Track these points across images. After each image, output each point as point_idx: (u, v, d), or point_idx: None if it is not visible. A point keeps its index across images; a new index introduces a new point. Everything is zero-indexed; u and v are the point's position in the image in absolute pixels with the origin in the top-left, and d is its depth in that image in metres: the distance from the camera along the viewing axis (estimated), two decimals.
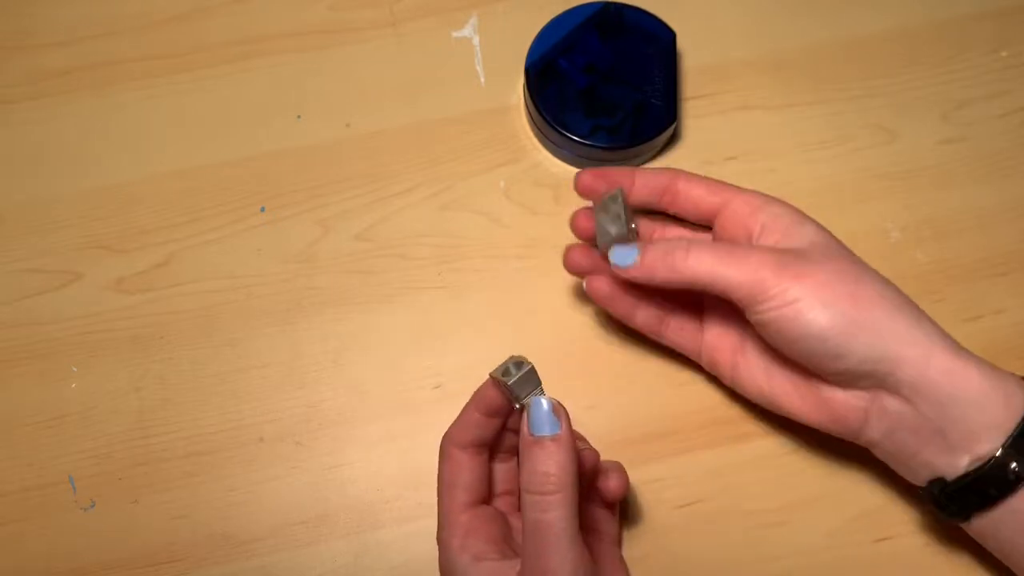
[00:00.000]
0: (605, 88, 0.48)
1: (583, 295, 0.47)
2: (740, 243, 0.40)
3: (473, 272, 0.48)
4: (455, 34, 0.53)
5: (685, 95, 0.51)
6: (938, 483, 0.36)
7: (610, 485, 0.39)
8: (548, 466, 0.33)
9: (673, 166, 0.50)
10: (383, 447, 0.45)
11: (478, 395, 0.37)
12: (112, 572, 0.43)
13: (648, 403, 0.45)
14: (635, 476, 0.44)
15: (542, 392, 0.36)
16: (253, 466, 0.44)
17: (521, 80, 0.50)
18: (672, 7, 0.51)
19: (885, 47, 0.53)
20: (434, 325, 0.47)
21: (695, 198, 0.41)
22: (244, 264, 0.48)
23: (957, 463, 0.35)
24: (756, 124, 0.51)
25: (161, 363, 0.46)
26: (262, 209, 0.49)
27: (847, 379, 0.36)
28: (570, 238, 0.49)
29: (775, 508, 0.43)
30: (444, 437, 0.38)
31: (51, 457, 0.45)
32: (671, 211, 0.42)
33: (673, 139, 0.50)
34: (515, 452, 0.40)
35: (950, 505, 0.36)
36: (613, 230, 0.40)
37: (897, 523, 0.43)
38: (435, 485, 0.41)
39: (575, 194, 0.49)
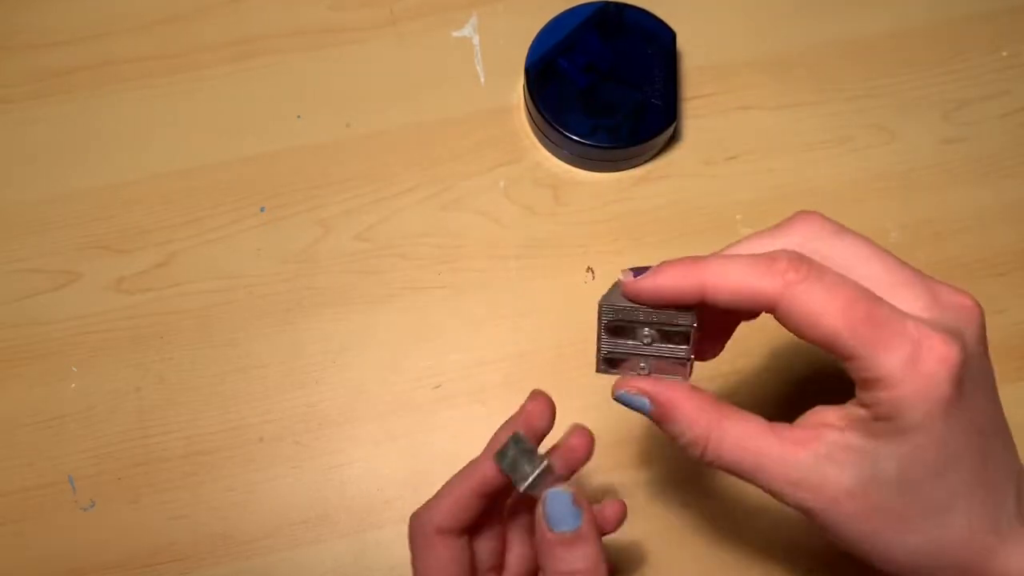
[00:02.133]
0: (605, 88, 0.48)
1: (583, 295, 0.47)
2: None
3: (473, 272, 0.48)
4: (455, 34, 0.53)
5: (685, 95, 0.51)
6: None
7: (606, 512, 0.35)
8: (575, 565, 0.30)
9: (673, 166, 0.50)
10: (383, 447, 0.45)
11: (472, 474, 0.33)
12: (112, 572, 0.43)
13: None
14: (635, 476, 0.44)
15: (558, 478, 0.31)
16: (253, 466, 0.44)
17: (521, 80, 0.50)
18: (672, 7, 0.51)
19: (885, 47, 0.53)
20: (434, 325, 0.47)
21: (803, 337, 0.29)
22: (244, 264, 0.48)
23: None
24: (756, 124, 0.51)
25: (161, 363, 0.46)
26: (262, 209, 0.49)
27: None
28: (569, 236, 0.49)
29: (776, 507, 0.43)
30: (420, 521, 0.33)
31: (51, 457, 0.44)
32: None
33: (673, 139, 0.50)
34: (497, 523, 0.35)
35: None
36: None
37: None
38: (435, 485, 0.41)
39: (575, 194, 0.50)
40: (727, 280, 0.29)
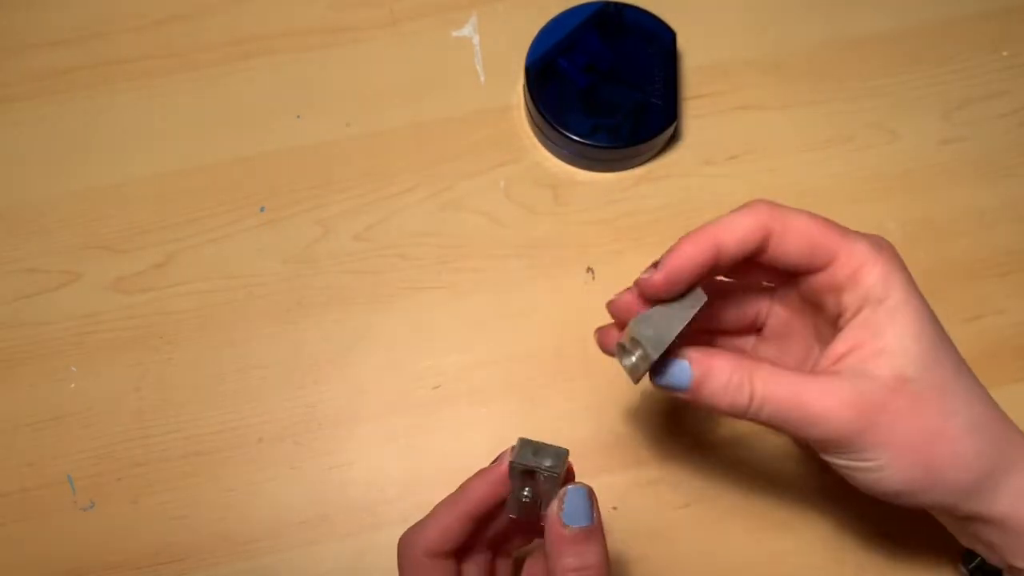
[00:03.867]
0: (605, 88, 0.48)
1: (583, 294, 0.47)
2: (811, 364, 0.36)
3: (473, 272, 0.48)
4: (455, 34, 0.53)
5: (685, 95, 0.51)
6: (974, 556, 0.36)
7: None
8: (589, 560, 0.31)
9: (674, 166, 0.50)
10: (383, 447, 0.45)
11: (465, 497, 0.33)
12: (112, 572, 0.43)
13: (648, 403, 0.45)
14: (635, 476, 0.44)
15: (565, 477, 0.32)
16: (253, 466, 0.44)
17: (521, 80, 0.50)
18: (672, 7, 0.51)
19: (885, 47, 0.53)
20: (434, 325, 0.47)
21: (792, 258, 0.33)
22: (244, 264, 0.48)
23: (999, 561, 0.35)
24: (756, 124, 0.51)
25: (161, 363, 0.46)
26: (262, 209, 0.49)
27: None
28: (569, 236, 0.49)
29: (776, 508, 0.43)
30: (409, 543, 0.34)
31: (51, 457, 0.44)
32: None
33: (673, 139, 0.50)
34: (482, 548, 0.36)
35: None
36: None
37: (899, 521, 0.43)
38: (434, 486, 0.40)
39: (575, 194, 0.50)
40: (733, 230, 0.33)
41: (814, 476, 0.44)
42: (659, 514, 0.43)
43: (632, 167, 0.50)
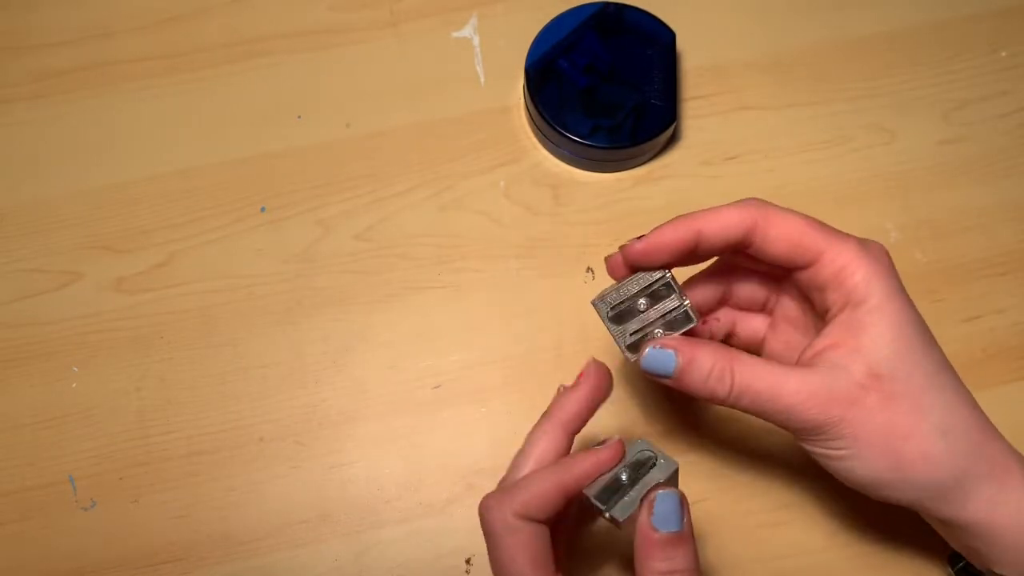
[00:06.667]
0: (605, 88, 0.48)
1: (583, 295, 0.47)
2: (791, 354, 0.37)
3: (473, 272, 0.48)
4: (455, 34, 0.53)
5: (685, 95, 0.51)
6: (960, 558, 0.38)
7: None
8: (678, 564, 0.31)
9: (673, 166, 0.50)
10: (383, 447, 0.45)
11: (572, 470, 0.33)
12: (112, 572, 0.43)
13: (648, 403, 0.45)
14: None
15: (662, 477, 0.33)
16: (253, 466, 0.44)
17: (521, 80, 0.50)
18: (672, 7, 0.51)
19: (885, 47, 0.53)
20: (434, 325, 0.47)
21: (776, 254, 0.35)
22: (244, 264, 0.48)
23: (981, 565, 0.36)
24: (756, 124, 0.51)
25: (161, 363, 0.46)
26: (262, 209, 0.49)
27: None
28: (569, 236, 0.49)
29: (775, 508, 0.43)
30: (499, 505, 0.33)
31: (51, 457, 0.45)
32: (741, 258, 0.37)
33: (673, 139, 0.50)
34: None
35: None
36: (632, 325, 0.36)
37: (897, 523, 0.43)
38: (435, 485, 0.41)
39: (575, 194, 0.50)
40: (717, 221, 0.34)
41: (814, 477, 0.44)
42: None
43: (632, 167, 0.50)
